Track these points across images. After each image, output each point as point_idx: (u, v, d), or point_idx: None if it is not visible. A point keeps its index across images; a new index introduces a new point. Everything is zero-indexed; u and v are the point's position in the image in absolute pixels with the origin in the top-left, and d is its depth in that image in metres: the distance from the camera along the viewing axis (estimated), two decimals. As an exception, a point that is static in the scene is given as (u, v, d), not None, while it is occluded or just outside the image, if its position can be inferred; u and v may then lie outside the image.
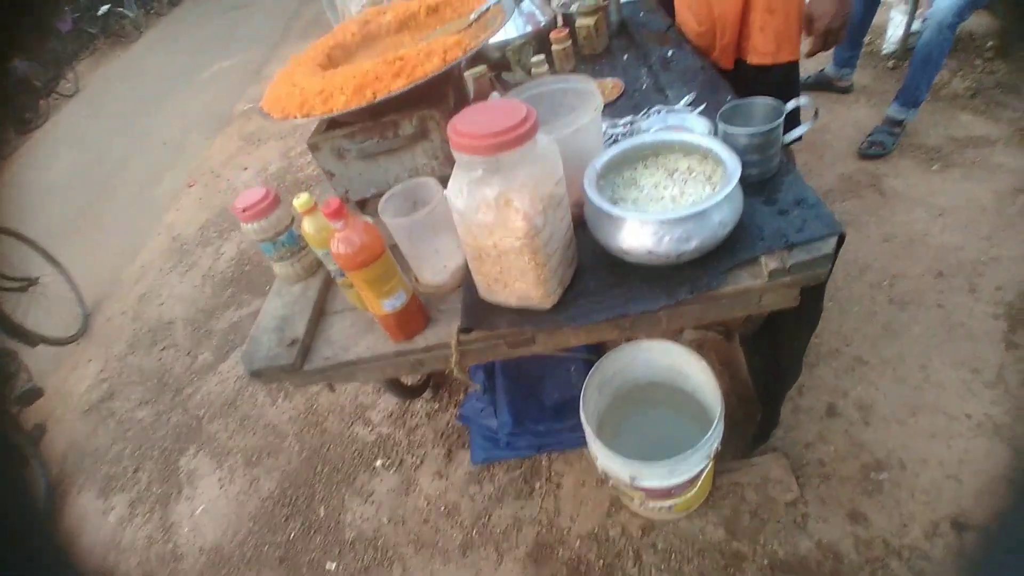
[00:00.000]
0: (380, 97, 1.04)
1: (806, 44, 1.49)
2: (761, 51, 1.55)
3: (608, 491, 1.52)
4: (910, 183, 2.20)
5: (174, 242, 3.57)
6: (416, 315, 1.03)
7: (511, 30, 1.70)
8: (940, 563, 1.27)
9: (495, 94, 1.51)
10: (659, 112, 1.30)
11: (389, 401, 2.02)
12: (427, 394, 1.99)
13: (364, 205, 1.35)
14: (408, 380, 1.96)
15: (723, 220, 0.90)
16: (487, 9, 1.24)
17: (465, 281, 1.06)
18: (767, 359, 1.42)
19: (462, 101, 1.42)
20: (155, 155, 5.04)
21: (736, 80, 1.48)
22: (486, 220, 0.85)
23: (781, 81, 1.58)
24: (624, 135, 1.27)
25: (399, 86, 1.04)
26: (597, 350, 1.61)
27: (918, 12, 2.69)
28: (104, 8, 9.78)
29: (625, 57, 1.70)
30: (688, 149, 1.03)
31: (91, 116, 6.92)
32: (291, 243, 1.18)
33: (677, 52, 1.61)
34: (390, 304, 0.97)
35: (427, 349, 1.03)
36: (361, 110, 1.07)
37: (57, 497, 2.18)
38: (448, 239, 1.03)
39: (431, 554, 1.59)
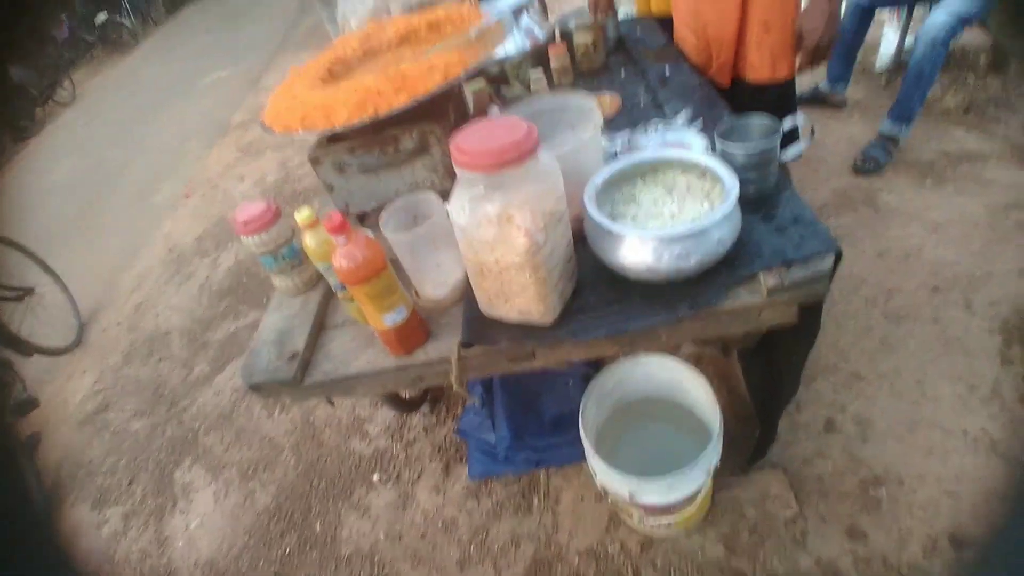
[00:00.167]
0: (382, 113, 1.05)
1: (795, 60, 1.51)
2: (758, 68, 1.57)
3: (607, 507, 1.51)
4: (904, 198, 2.22)
5: (171, 252, 3.56)
6: (417, 330, 1.03)
7: (510, 45, 1.72)
8: (939, 580, 1.27)
9: (494, 108, 1.52)
10: (657, 128, 1.31)
11: (387, 414, 2.01)
12: (425, 408, 1.98)
13: (364, 218, 1.35)
14: (406, 394, 1.95)
15: (722, 237, 0.91)
16: (488, 26, 1.26)
17: (465, 296, 1.07)
18: (765, 374, 1.43)
19: (462, 116, 1.43)
20: (152, 164, 5.04)
21: (733, 98, 1.50)
22: (488, 236, 0.85)
23: (778, 98, 1.60)
24: (622, 151, 1.28)
25: (401, 102, 1.05)
26: (595, 364, 1.61)
27: (910, 29, 2.73)
28: (102, 16, 9.82)
29: (623, 73, 1.72)
30: (686, 166, 1.04)
31: (88, 124, 6.92)
32: (292, 256, 1.19)
33: (674, 69, 1.63)
34: (391, 319, 0.97)
35: (427, 364, 1.03)
36: (362, 125, 1.08)
37: (52, 508, 2.15)
38: (449, 254, 1.03)
39: (428, 570, 1.58)
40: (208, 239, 3.53)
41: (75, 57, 9.68)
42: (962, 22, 2.15)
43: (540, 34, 1.76)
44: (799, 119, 1.08)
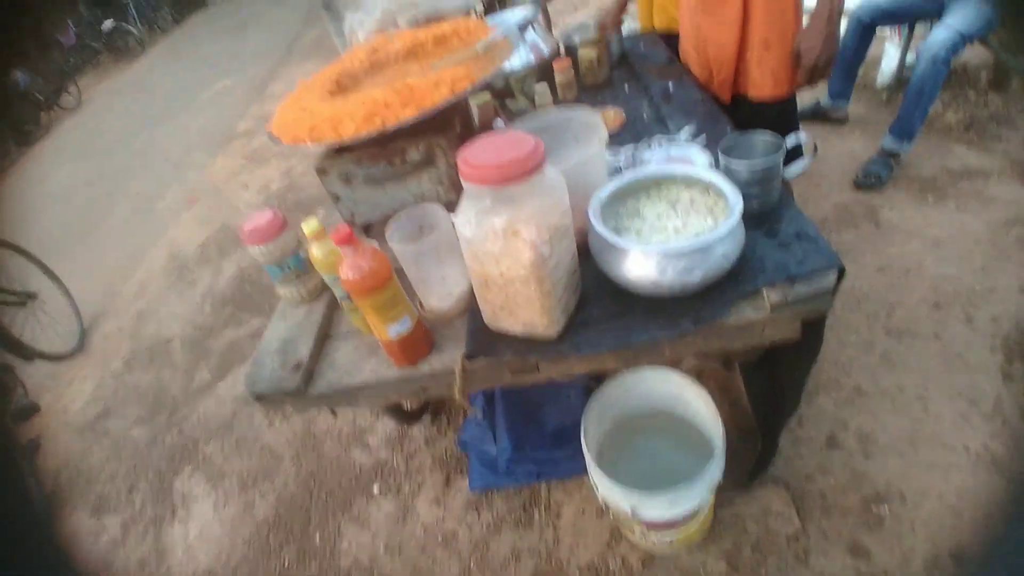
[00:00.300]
0: (390, 126, 1.06)
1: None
2: (759, 86, 1.59)
3: (608, 522, 1.50)
4: (905, 214, 2.23)
5: (174, 259, 3.57)
6: (421, 341, 1.03)
7: (515, 60, 1.74)
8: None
9: (499, 121, 1.54)
10: (661, 143, 1.32)
11: (387, 425, 2.00)
12: (426, 419, 1.98)
13: (368, 228, 1.36)
14: (407, 404, 1.95)
15: (726, 252, 0.92)
16: (495, 41, 1.27)
17: (470, 307, 1.07)
18: (767, 389, 1.43)
19: (467, 128, 1.44)
20: (156, 171, 5.07)
21: (734, 114, 1.52)
22: (494, 249, 0.86)
23: (779, 115, 1.61)
24: (626, 165, 1.29)
25: (408, 115, 1.06)
26: (597, 376, 1.61)
27: (912, 45, 2.75)
28: (108, 24, 9.93)
29: (626, 88, 1.74)
30: (690, 181, 1.04)
31: (93, 130, 6.97)
32: (297, 266, 1.19)
33: (678, 84, 1.65)
34: (395, 330, 0.97)
35: (431, 375, 1.04)
36: (370, 137, 1.09)
37: (53, 510, 2.15)
38: (454, 266, 1.04)
39: (428, 583, 1.57)
40: (211, 246, 3.55)
41: (81, 63, 9.77)
42: (963, 39, 2.16)
43: (545, 48, 1.78)
44: (802, 137, 1.09)
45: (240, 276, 3.15)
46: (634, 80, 1.78)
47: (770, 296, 0.93)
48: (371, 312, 0.94)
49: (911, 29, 2.70)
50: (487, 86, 1.70)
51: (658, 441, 1.47)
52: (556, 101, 1.68)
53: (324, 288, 1.23)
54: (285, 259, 1.17)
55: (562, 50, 1.83)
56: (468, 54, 1.23)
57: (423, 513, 1.72)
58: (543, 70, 1.74)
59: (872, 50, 2.69)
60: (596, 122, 1.07)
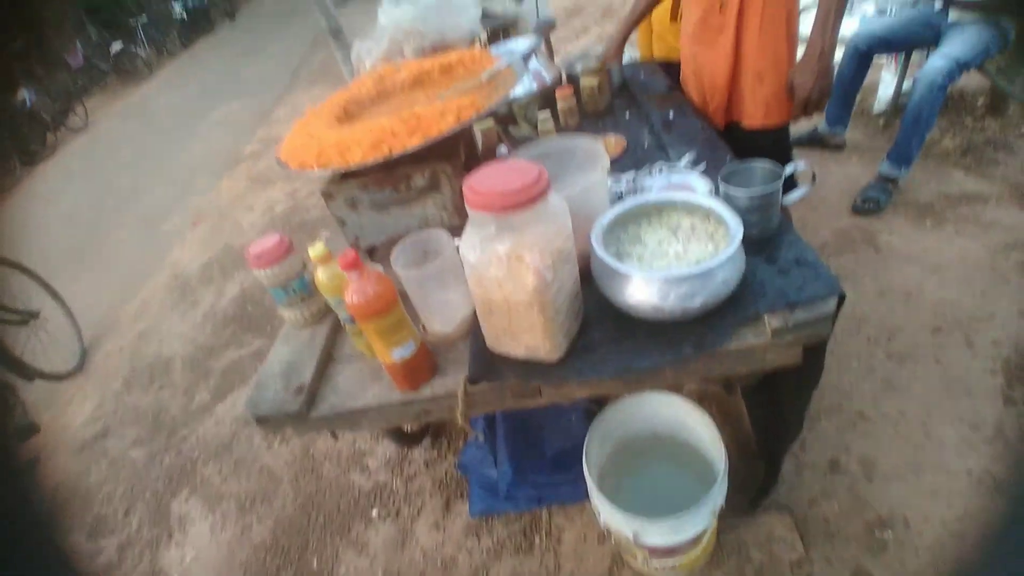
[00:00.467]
0: (396, 153, 1.08)
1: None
2: (751, 115, 1.62)
3: (610, 547, 1.49)
4: (904, 239, 2.25)
5: (176, 279, 3.59)
6: (424, 365, 1.04)
7: (518, 87, 1.77)
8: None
9: (503, 148, 1.56)
10: (661, 170, 1.34)
11: (387, 447, 1.99)
12: (426, 442, 1.97)
13: (372, 251, 1.38)
14: (408, 427, 1.95)
15: (727, 278, 0.93)
16: (499, 70, 1.30)
17: (472, 331, 1.08)
18: (768, 414, 1.43)
19: (472, 154, 1.47)
20: (162, 192, 5.12)
21: (729, 141, 1.54)
22: (497, 274, 0.87)
23: (772, 143, 1.64)
24: (627, 191, 1.31)
25: (415, 143, 1.08)
26: (599, 399, 1.61)
27: (908, 72, 2.80)
28: (117, 46, 10.12)
29: (627, 115, 1.77)
30: (691, 208, 1.06)
31: (99, 151, 7.06)
32: (302, 289, 1.20)
33: (678, 113, 1.68)
34: (399, 353, 0.98)
35: (433, 399, 1.04)
36: (376, 163, 1.11)
37: (54, 512, 2.12)
38: (458, 290, 1.05)
39: (427, 609, 1.55)
40: (214, 266, 3.57)
41: (89, 84, 9.94)
42: (960, 67, 2.20)
43: (547, 76, 1.82)
44: (800, 165, 1.11)
45: (242, 296, 3.16)
46: (635, 107, 1.81)
47: (771, 322, 0.94)
48: (375, 336, 0.95)
49: (907, 57, 2.76)
50: (491, 113, 1.74)
51: (660, 465, 1.46)
52: (558, 128, 1.71)
53: (328, 311, 1.24)
54: (290, 282, 1.18)
55: (564, 78, 1.87)
56: (473, 83, 1.26)
57: (422, 538, 1.70)
58: (546, 97, 1.78)
59: (869, 77, 2.73)
60: (599, 150, 1.09)
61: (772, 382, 1.36)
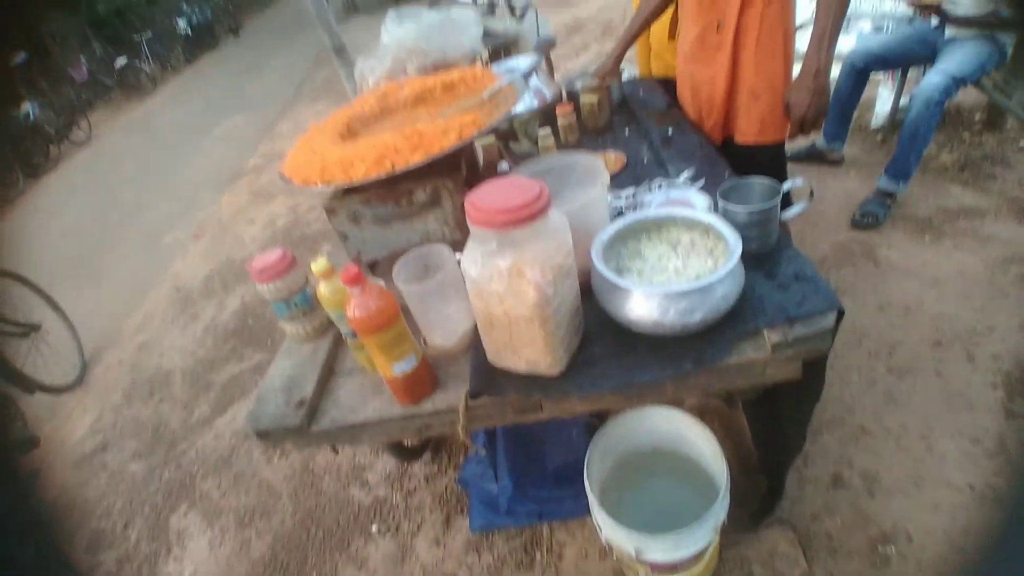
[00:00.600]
0: (399, 169, 1.09)
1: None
2: (745, 132, 1.64)
3: (611, 563, 1.48)
4: (903, 253, 2.26)
5: (178, 292, 3.60)
6: (425, 379, 1.04)
7: (519, 104, 1.80)
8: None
9: (504, 163, 1.58)
10: (660, 186, 1.36)
11: (387, 462, 1.99)
12: (426, 456, 1.97)
13: (374, 265, 1.39)
14: (408, 441, 1.94)
15: (726, 293, 0.94)
16: (500, 88, 1.32)
17: (473, 345, 1.08)
18: (770, 429, 1.42)
19: (473, 169, 1.49)
20: (164, 206, 5.15)
21: (726, 158, 1.56)
22: (499, 289, 0.88)
23: (768, 159, 1.65)
24: (627, 207, 1.32)
25: (417, 159, 1.09)
26: (600, 413, 1.61)
27: (905, 88, 2.83)
28: (121, 60, 10.21)
29: (626, 132, 1.79)
30: (690, 224, 1.07)
31: (102, 164, 7.11)
32: (304, 303, 1.21)
33: (677, 129, 1.70)
34: (400, 368, 0.98)
35: (434, 413, 1.04)
36: (379, 179, 1.12)
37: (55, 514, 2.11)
38: (459, 305, 1.05)
39: (426, 626, 1.54)
40: (216, 280, 3.58)
41: (93, 98, 10.02)
42: (956, 83, 2.22)
43: (548, 93, 1.84)
44: (798, 182, 1.12)
45: (243, 310, 3.17)
46: (634, 124, 1.83)
47: (770, 336, 0.95)
48: (376, 350, 0.95)
49: (904, 73, 2.78)
50: (492, 129, 1.76)
51: (661, 480, 1.45)
52: (559, 144, 1.73)
53: (329, 325, 1.24)
54: (292, 296, 1.19)
55: (564, 95, 1.89)
56: (475, 101, 1.28)
57: (422, 554, 1.69)
58: (546, 114, 1.80)
59: (866, 93, 2.76)
60: (599, 166, 1.11)
61: (773, 396, 1.36)
